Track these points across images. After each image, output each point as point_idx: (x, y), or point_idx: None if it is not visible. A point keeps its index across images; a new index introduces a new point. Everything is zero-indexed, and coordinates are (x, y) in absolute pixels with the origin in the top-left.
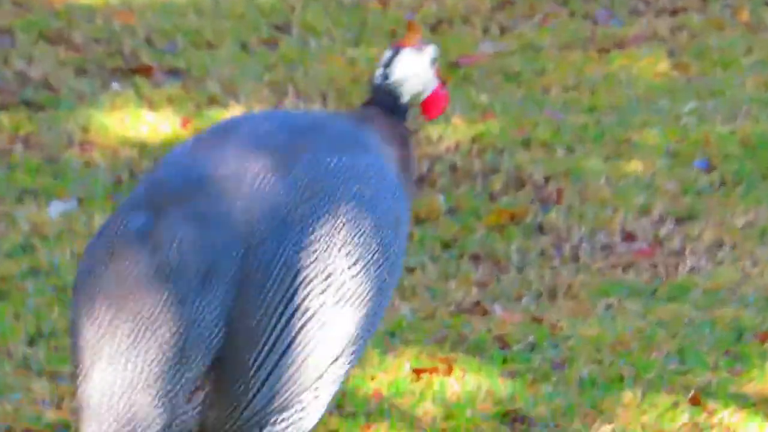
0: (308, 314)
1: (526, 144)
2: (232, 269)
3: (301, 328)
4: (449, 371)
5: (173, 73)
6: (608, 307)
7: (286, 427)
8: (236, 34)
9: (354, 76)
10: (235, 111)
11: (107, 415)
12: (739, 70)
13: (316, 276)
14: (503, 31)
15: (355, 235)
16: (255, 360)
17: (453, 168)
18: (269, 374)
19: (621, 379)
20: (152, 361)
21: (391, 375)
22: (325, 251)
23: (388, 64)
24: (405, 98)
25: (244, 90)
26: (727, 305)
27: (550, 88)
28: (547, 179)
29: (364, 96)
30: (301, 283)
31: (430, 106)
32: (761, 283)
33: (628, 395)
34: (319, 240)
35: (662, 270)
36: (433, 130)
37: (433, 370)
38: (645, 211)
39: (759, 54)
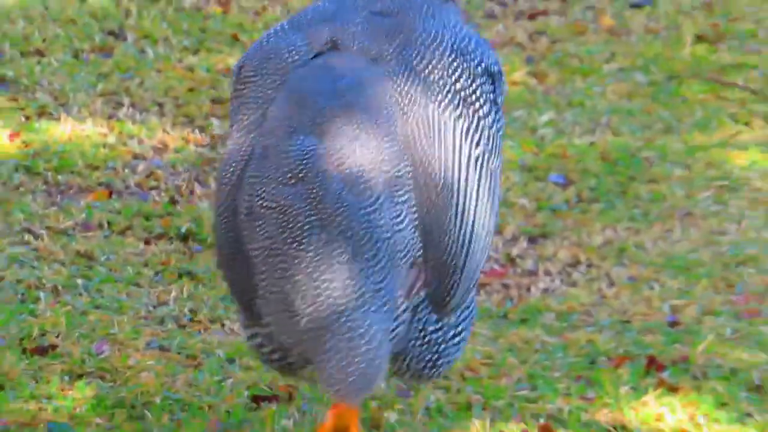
0: (477, 189)
1: None
2: (410, 175)
3: (477, 206)
4: (290, 399)
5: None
6: None
7: (470, 314)
8: (68, 41)
9: (193, 85)
10: (66, 124)
11: (335, 340)
12: (599, 79)
13: (473, 158)
14: None
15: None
16: (452, 249)
17: None
18: (465, 259)
19: (469, 406)
20: (367, 277)
21: (229, 403)
22: (473, 129)
23: None
24: None
25: (76, 101)
26: (580, 329)
27: None
28: None
29: (203, 107)
30: (466, 164)
31: None
32: (617, 306)
33: (476, 424)
34: (469, 128)
35: (514, 291)
36: None
37: (273, 399)
38: (497, 229)
39: (621, 61)
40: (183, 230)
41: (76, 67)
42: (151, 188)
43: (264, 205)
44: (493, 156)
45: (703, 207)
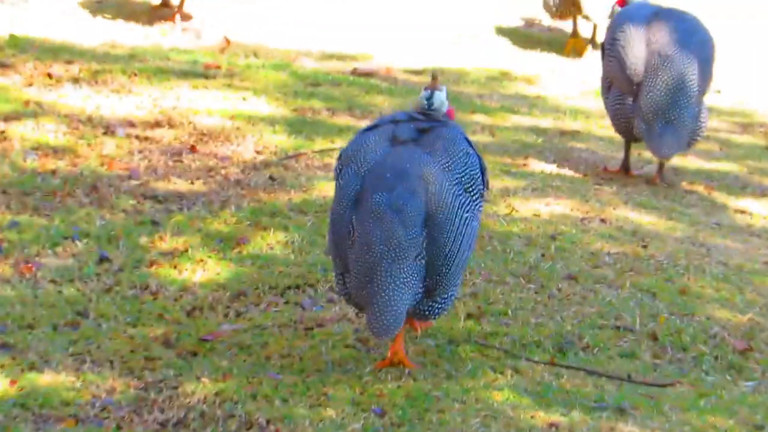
0: (462, 236)
1: (254, 397)
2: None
3: (460, 244)
4: None
5: None
6: None
7: (451, 298)
8: (49, 318)
9: (133, 347)
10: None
11: (380, 301)
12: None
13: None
14: (238, 315)
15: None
16: (445, 261)
17: (202, 414)
18: (450, 267)
19: None
20: (402, 268)
21: None
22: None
23: (429, 98)
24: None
25: (55, 359)
26: None
27: (271, 356)
28: (268, 421)
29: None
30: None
31: (450, 115)
32: None
33: None
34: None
35: None
36: (189, 386)
37: None
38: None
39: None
40: None
41: (55, 336)
42: None
43: (360, 227)
44: (474, 220)
45: (474, 429)
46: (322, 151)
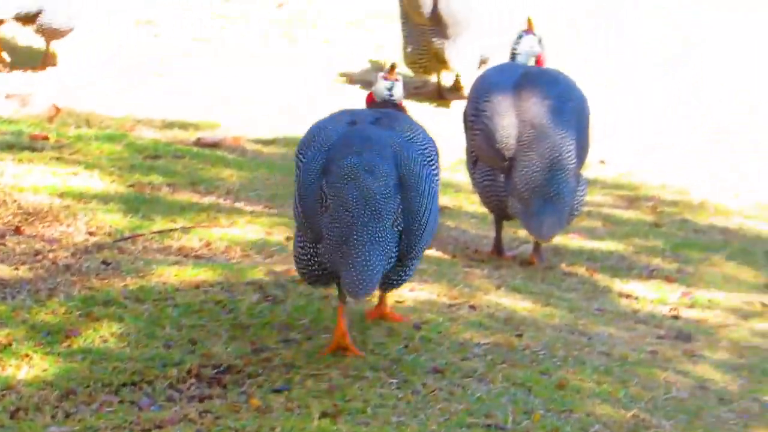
0: (431, 201)
1: None
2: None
3: (430, 208)
4: None
5: None
6: None
7: (414, 265)
8: None
9: None
10: None
11: (356, 261)
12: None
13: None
14: (67, 416)
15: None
16: (418, 227)
17: None
18: (423, 233)
19: None
20: (377, 230)
21: None
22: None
23: (390, 89)
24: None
25: None
26: None
27: None
28: None
29: None
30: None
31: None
32: None
33: None
34: (420, 159)
35: None
36: None
37: None
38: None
39: None
40: None
41: None
42: None
43: (334, 190)
44: (437, 187)
45: None
46: (161, 232)
